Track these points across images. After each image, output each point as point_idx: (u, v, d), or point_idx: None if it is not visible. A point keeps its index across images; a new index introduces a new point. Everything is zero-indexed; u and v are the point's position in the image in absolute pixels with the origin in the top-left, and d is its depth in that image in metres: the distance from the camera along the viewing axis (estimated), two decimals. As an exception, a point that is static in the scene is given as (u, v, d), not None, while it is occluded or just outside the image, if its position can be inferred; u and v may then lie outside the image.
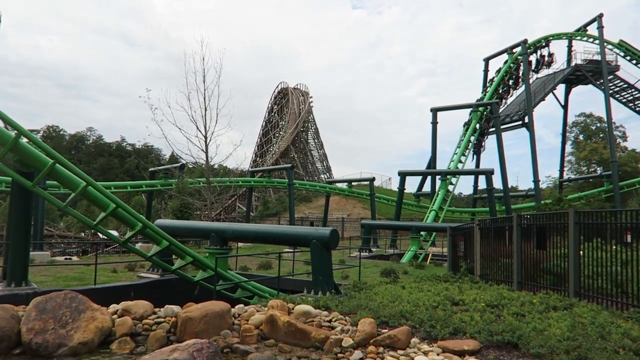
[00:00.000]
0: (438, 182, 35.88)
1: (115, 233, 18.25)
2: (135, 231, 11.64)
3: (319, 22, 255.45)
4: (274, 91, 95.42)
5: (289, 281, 14.56)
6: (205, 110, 25.84)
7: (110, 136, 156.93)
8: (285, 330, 7.29)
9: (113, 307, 8.08)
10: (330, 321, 7.72)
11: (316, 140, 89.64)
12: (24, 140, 10.57)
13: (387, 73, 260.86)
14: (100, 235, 16.70)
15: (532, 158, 41.78)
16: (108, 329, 7.49)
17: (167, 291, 13.71)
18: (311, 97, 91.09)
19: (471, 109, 41.36)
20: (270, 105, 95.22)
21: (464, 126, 41.45)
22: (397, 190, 37.79)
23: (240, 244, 25.88)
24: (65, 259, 22.97)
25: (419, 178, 46.95)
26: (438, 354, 6.30)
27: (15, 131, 10.19)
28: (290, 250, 18.56)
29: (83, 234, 43.51)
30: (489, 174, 33.07)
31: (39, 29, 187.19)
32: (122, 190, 39.79)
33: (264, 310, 8.14)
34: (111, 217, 11.61)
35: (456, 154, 39.24)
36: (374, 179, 46.02)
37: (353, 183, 51.92)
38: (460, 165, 38.46)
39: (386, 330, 7.08)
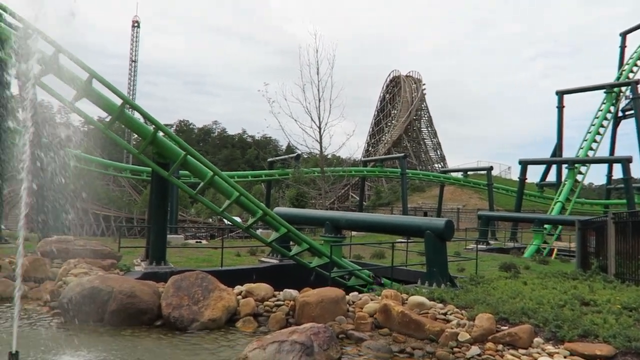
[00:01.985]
0: (565, 172, 33.14)
1: (238, 219, 19.58)
2: (257, 218, 12.42)
3: (423, 4, 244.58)
4: (386, 79, 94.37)
5: (402, 271, 14.51)
6: (319, 101, 26.46)
7: (233, 129, 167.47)
8: (399, 320, 7.31)
9: (237, 288, 8.72)
10: (445, 314, 7.58)
11: (429, 129, 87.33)
12: (161, 134, 11.77)
13: (499, 55, 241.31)
14: (225, 221, 18.04)
15: (681, 144, 36.65)
16: (233, 309, 8.12)
17: (284, 276, 14.39)
18: (424, 84, 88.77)
19: (604, 90, 37.34)
20: (382, 94, 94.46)
21: (598, 111, 37.60)
22: (517, 180, 35.68)
23: (353, 233, 26.26)
24: (196, 242, 25.19)
25: (542, 167, 43.66)
26: (565, 357, 5.89)
27: (154, 126, 11.39)
28: (404, 240, 18.42)
29: (211, 220, 47.06)
30: (625, 161, 29.66)
31: (163, 30, 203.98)
32: (244, 180, 42.37)
33: (377, 299, 8.23)
34: (235, 204, 12.51)
35: (586, 140, 35.73)
36: (491, 168, 43.73)
37: (469, 172, 49.89)
38: (591, 153, 34.98)
39: (506, 328, 6.79)
